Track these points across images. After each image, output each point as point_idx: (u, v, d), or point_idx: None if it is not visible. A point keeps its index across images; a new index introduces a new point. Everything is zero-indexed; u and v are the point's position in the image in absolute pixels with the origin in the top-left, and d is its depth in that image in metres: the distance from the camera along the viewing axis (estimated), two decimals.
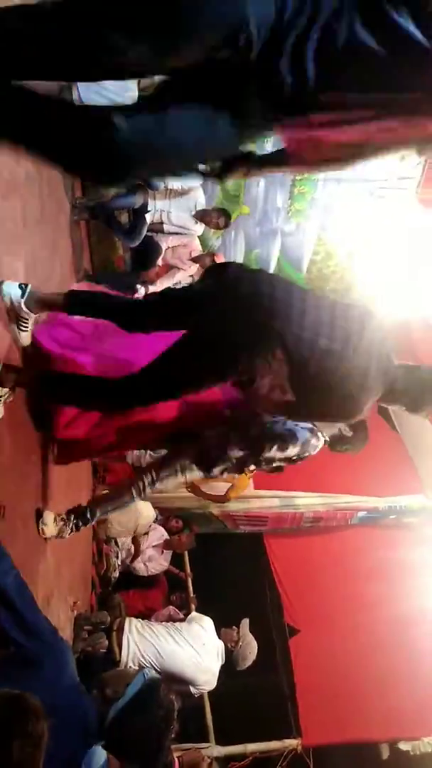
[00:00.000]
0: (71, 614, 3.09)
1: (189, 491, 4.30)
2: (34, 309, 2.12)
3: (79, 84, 3.70)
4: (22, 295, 2.07)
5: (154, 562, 4.60)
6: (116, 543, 4.28)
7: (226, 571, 4.95)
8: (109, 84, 3.71)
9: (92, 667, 2.79)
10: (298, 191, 4.43)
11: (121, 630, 3.16)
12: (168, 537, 4.64)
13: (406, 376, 1.74)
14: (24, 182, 2.51)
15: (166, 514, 4.69)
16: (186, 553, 4.77)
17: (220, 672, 3.56)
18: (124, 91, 3.79)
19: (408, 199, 4.38)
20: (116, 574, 4.27)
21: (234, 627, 3.86)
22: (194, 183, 4.07)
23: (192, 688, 3.42)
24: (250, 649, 3.72)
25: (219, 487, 4.22)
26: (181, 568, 4.75)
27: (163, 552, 4.65)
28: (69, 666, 1.63)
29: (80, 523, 2.52)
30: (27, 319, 2.15)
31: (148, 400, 1.98)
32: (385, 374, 1.70)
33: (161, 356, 1.80)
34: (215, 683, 3.56)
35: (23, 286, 2.09)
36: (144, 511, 4.26)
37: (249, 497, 4.63)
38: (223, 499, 4.30)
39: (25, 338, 2.21)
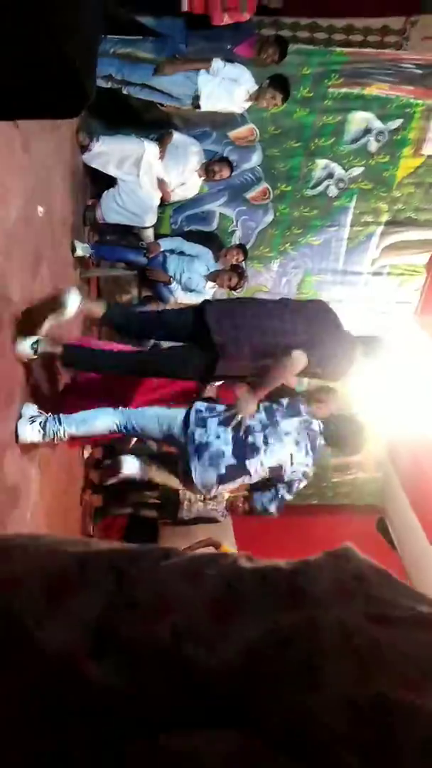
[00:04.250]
0: None
1: None
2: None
3: (102, 203, 4.01)
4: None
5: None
6: None
7: None
8: (131, 205, 4.04)
9: None
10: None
11: None
12: None
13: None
14: None
15: None
16: None
17: None
18: (144, 213, 4.10)
19: (407, 321, 4.53)
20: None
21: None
22: (206, 294, 4.31)
23: None
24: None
25: None
26: None
27: None
28: None
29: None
30: None
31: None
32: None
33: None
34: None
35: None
36: None
37: None
38: None
39: None
